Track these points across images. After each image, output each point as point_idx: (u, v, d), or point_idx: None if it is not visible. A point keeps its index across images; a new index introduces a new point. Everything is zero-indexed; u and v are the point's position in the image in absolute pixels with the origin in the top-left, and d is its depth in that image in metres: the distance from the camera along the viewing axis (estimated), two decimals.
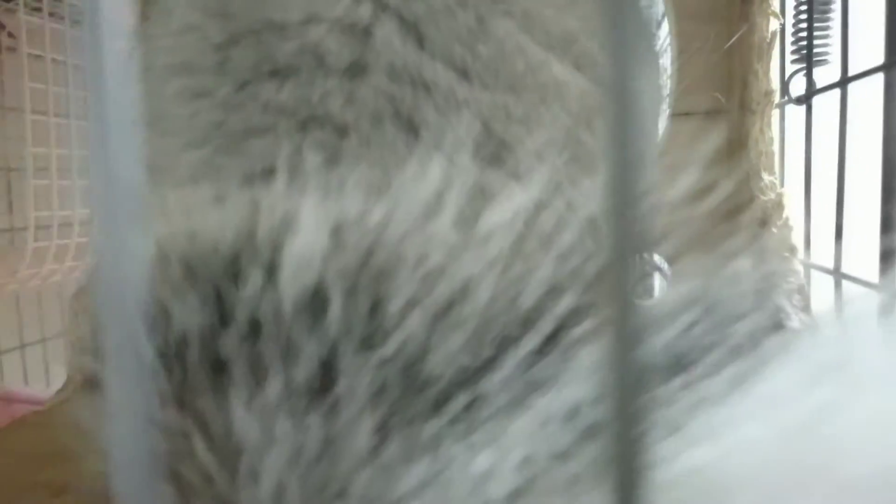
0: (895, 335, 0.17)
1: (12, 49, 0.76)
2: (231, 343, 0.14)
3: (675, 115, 0.46)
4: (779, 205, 0.38)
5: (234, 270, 0.15)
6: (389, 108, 0.27)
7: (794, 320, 0.35)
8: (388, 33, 0.27)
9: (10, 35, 0.75)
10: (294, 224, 0.15)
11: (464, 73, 0.28)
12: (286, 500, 0.15)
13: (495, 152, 0.28)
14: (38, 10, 0.70)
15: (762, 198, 0.39)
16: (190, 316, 0.14)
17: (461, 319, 0.14)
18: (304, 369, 0.14)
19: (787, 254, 0.37)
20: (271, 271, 0.14)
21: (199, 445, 0.14)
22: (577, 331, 0.16)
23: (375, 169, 0.26)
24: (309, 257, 0.14)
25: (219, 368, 0.14)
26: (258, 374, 0.14)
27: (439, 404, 0.13)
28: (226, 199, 0.25)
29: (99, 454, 0.18)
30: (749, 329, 0.16)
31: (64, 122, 0.78)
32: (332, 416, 0.14)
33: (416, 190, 0.17)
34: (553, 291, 0.18)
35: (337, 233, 0.15)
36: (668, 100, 0.47)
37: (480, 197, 0.28)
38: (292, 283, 0.14)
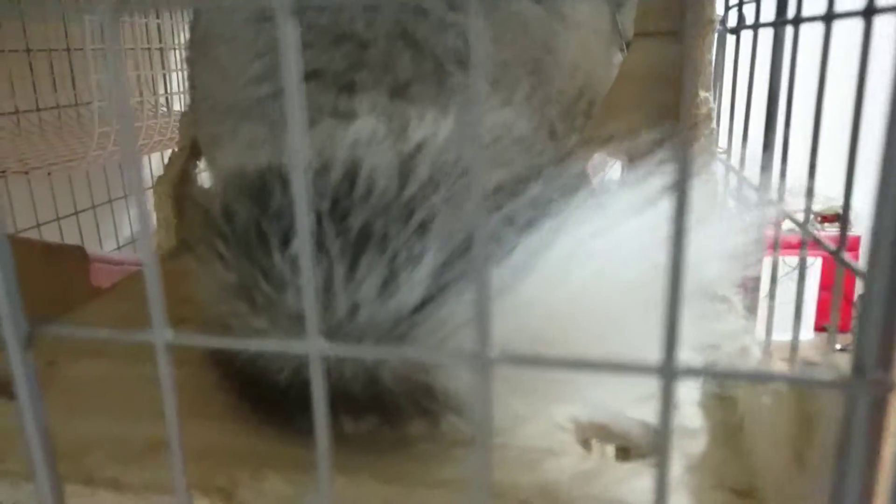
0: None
1: None
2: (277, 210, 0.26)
3: (641, 35, 0.55)
4: (708, 117, 0.48)
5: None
6: (397, 28, 0.37)
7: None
8: None
9: None
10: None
11: (451, 4, 0.38)
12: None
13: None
14: None
15: (695, 111, 0.49)
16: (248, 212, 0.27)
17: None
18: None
19: (708, 157, 0.47)
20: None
21: (259, 276, 0.26)
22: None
23: (388, 75, 0.37)
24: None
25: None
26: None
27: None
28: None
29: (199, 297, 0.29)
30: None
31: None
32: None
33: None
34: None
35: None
36: (629, 34, 0.56)
37: (459, 92, 0.38)
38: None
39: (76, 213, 1.02)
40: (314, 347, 0.18)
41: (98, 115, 0.79)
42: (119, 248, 1.15)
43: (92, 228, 1.05)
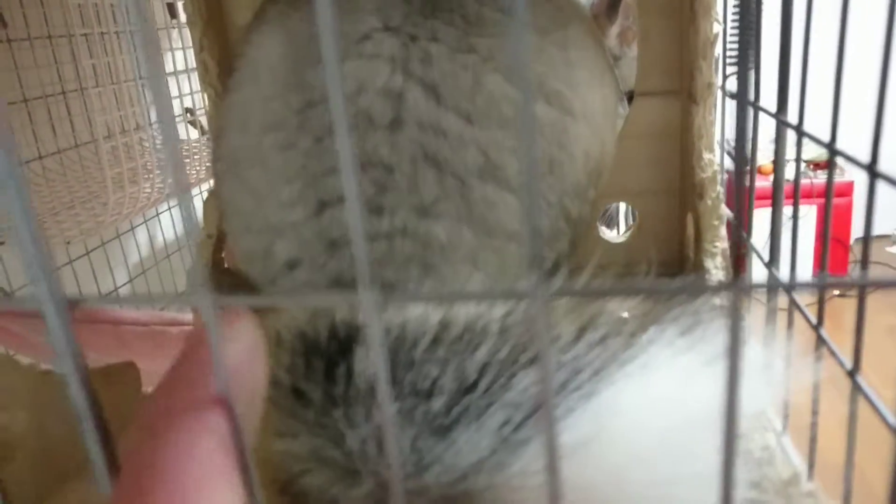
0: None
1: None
2: (344, 394, 0.28)
3: (638, 95, 0.57)
4: (713, 180, 0.50)
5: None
6: (420, 151, 0.39)
7: (715, 279, 0.47)
8: (415, 95, 0.39)
9: None
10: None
11: (468, 119, 0.39)
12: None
13: (494, 173, 0.40)
14: None
15: (701, 174, 0.51)
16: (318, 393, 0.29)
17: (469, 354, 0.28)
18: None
19: (716, 222, 0.49)
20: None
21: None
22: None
23: (414, 196, 0.38)
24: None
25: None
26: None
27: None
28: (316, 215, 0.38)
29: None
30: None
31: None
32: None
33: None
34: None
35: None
36: (630, 83, 0.57)
37: (482, 205, 0.40)
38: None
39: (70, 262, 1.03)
40: None
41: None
42: (113, 292, 1.17)
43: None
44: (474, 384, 0.27)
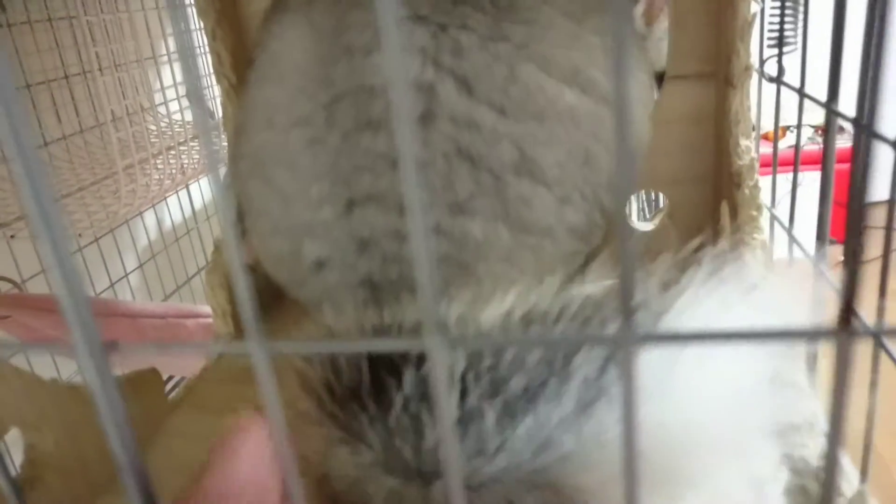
0: None
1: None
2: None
3: (671, 78, 0.55)
4: (751, 168, 0.48)
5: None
6: (453, 146, 0.37)
7: (754, 270, 0.46)
8: (447, 88, 0.37)
9: None
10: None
11: (502, 112, 0.37)
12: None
13: (529, 168, 0.38)
14: None
15: (738, 161, 0.49)
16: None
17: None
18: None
19: (754, 212, 0.47)
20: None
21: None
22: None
23: (449, 193, 0.37)
24: None
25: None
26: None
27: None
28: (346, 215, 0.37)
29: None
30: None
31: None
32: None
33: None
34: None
35: None
36: (657, 65, 0.55)
37: (518, 201, 0.38)
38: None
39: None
40: None
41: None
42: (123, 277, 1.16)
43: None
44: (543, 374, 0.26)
